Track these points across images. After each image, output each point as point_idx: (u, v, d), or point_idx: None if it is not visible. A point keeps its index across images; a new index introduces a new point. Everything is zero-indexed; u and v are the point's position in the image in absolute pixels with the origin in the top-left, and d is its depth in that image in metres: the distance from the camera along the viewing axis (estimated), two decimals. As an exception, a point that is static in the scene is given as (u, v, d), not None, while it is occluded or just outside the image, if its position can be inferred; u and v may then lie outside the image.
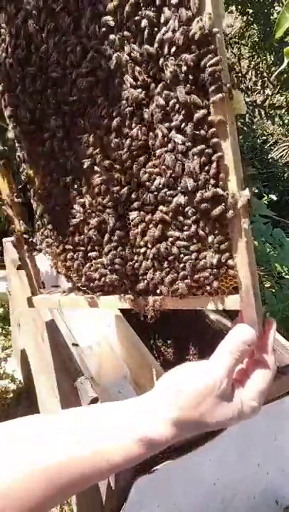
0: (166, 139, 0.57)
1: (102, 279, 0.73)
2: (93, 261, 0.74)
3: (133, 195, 0.64)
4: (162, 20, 0.53)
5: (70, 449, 0.48)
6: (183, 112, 0.55)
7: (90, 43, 0.60)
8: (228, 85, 0.51)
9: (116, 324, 1.15)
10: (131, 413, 0.51)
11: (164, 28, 0.53)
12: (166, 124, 0.57)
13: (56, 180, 0.74)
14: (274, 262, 1.85)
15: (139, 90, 0.58)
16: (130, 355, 1.06)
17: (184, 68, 0.52)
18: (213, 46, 0.51)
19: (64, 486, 0.47)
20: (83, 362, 0.98)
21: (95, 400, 0.86)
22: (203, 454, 0.87)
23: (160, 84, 0.56)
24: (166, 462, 0.81)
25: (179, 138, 0.56)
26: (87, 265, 0.75)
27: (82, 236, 0.73)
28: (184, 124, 0.55)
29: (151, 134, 0.60)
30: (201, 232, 0.58)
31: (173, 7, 0.52)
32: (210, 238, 0.58)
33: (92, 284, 0.75)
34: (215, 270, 0.59)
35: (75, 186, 0.71)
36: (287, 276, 1.95)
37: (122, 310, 1.14)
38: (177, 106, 0.55)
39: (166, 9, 0.52)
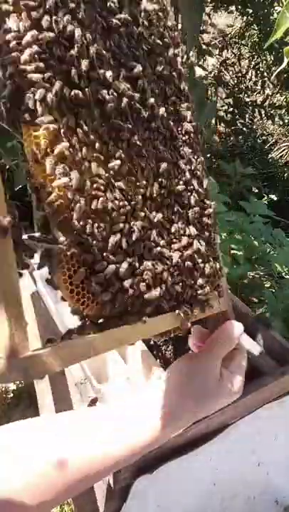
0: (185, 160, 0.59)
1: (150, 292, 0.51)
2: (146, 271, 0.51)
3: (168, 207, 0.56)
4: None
5: (100, 444, 0.52)
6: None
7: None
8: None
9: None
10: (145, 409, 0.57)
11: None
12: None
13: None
14: (274, 262, 1.85)
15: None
16: (130, 355, 1.06)
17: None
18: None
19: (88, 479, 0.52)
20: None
21: (94, 400, 0.86)
22: (203, 454, 0.87)
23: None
24: (166, 462, 0.81)
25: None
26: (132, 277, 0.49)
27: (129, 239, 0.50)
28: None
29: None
30: (212, 241, 0.60)
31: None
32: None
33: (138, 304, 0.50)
34: (217, 275, 0.61)
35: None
36: (287, 277, 1.95)
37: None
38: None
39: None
